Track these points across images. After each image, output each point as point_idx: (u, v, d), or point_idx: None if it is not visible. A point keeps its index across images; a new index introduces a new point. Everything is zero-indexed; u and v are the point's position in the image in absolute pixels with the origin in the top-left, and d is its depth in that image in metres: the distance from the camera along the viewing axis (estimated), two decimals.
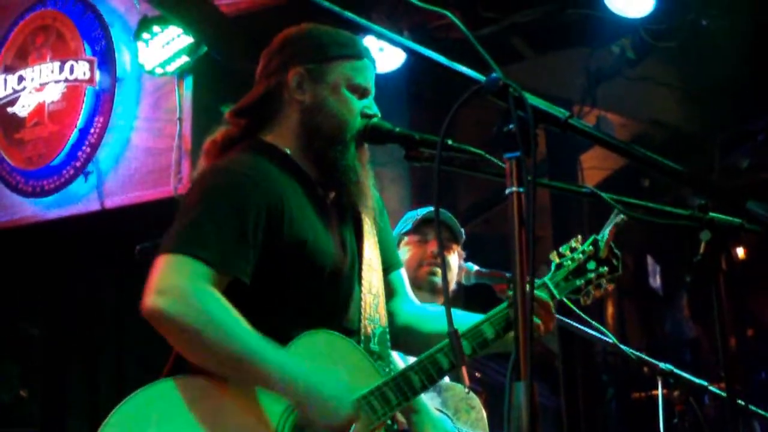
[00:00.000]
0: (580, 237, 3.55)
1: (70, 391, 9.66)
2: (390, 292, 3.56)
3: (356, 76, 3.34)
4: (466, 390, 4.47)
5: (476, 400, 4.49)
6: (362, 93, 3.35)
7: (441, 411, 4.25)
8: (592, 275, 3.48)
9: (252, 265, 3.06)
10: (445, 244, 4.75)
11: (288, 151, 3.31)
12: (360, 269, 3.38)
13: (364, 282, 3.37)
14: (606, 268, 3.50)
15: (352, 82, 3.32)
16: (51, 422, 9.47)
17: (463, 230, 4.85)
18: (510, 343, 3.28)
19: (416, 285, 4.47)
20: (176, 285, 2.94)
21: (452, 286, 4.72)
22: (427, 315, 3.58)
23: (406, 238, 4.80)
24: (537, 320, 3.25)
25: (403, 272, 3.70)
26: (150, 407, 2.92)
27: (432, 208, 4.85)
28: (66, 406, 9.61)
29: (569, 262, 3.47)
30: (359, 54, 3.37)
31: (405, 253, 4.73)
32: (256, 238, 3.07)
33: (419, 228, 4.80)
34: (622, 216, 3.41)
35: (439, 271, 4.71)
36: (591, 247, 3.50)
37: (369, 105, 3.36)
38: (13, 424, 9.27)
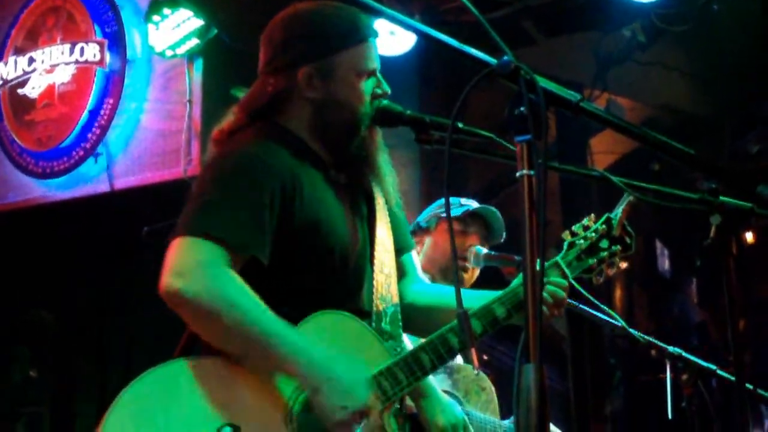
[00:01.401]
0: (593, 216, 3.54)
1: (79, 372, 9.70)
2: (401, 273, 3.56)
3: (363, 62, 3.31)
4: (476, 371, 4.48)
5: (487, 382, 4.49)
6: (370, 74, 3.34)
7: (451, 393, 4.25)
8: (605, 254, 3.47)
9: (269, 246, 3.07)
10: (482, 239, 4.76)
11: (300, 135, 3.32)
12: (372, 249, 3.39)
13: (376, 262, 3.37)
14: (619, 247, 3.50)
15: (360, 69, 3.30)
16: (60, 403, 9.52)
17: (504, 232, 4.83)
18: (520, 320, 3.30)
19: (443, 275, 4.47)
20: (195, 266, 2.94)
21: (474, 278, 4.74)
22: (437, 292, 3.59)
23: (445, 224, 4.75)
24: (548, 299, 3.26)
25: (415, 255, 3.70)
26: (161, 387, 2.93)
27: (484, 206, 4.84)
28: (75, 387, 9.65)
29: (582, 241, 3.46)
30: (363, 38, 3.32)
31: (439, 235, 4.73)
32: (272, 219, 3.08)
33: (465, 219, 4.76)
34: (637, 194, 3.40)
35: (468, 267, 4.71)
36: (604, 226, 3.49)
37: (378, 82, 3.35)
38: (23, 403, 9.31)
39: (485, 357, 9.62)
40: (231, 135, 3.32)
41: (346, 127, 3.30)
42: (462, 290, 2.48)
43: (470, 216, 4.77)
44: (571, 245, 3.45)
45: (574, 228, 3.49)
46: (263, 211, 3.06)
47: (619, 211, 3.49)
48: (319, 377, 2.94)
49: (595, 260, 3.46)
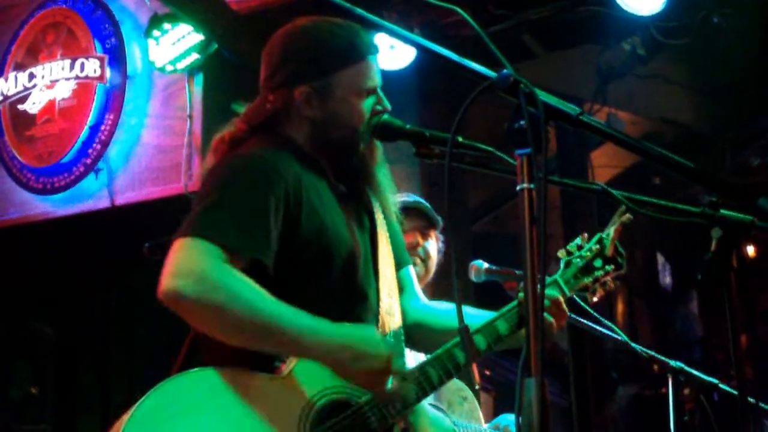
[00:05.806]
0: (586, 235, 3.58)
1: (80, 389, 9.68)
2: (399, 289, 3.55)
3: (361, 81, 3.28)
4: (477, 386, 4.47)
5: (468, 391, 4.49)
6: (370, 92, 3.32)
7: (435, 406, 4.24)
8: (599, 273, 3.52)
9: (275, 248, 3.05)
10: (422, 231, 4.77)
11: (301, 145, 3.31)
12: (376, 263, 3.37)
13: (380, 276, 3.36)
14: (612, 266, 3.53)
15: (359, 88, 3.27)
16: (62, 419, 9.48)
17: (440, 218, 4.83)
18: (523, 339, 3.30)
19: None
20: (193, 266, 2.90)
21: (432, 272, 4.76)
22: (439, 312, 3.58)
23: None
24: (549, 317, 3.28)
25: (412, 269, 3.70)
26: (171, 404, 2.88)
27: (410, 198, 4.84)
28: (77, 403, 9.62)
29: (578, 259, 3.50)
30: (361, 56, 3.29)
31: None
32: (278, 222, 3.05)
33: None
34: (628, 215, 3.44)
35: (418, 261, 4.72)
36: (597, 245, 3.53)
37: (379, 99, 3.34)
38: (24, 420, 9.28)
39: (487, 372, 9.61)
40: (232, 145, 3.31)
41: (344, 145, 3.29)
42: (464, 308, 2.47)
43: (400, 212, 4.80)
44: (568, 264, 3.50)
45: (568, 247, 3.53)
46: (268, 214, 3.03)
47: (610, 231, 3.53)
48: (338, 347, 2.94)
49: (591, 279, 3.52)
